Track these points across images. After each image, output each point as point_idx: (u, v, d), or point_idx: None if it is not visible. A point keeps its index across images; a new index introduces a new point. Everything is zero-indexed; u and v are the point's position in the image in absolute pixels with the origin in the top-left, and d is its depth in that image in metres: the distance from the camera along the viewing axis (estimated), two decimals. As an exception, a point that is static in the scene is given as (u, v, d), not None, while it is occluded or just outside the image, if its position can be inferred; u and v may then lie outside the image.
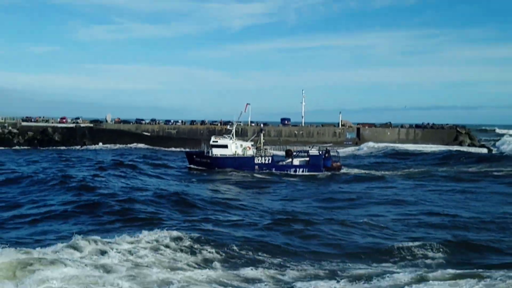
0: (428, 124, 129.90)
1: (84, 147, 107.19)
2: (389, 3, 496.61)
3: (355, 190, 49.93)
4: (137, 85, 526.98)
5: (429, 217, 35.60)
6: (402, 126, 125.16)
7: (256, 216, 34.68)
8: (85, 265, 19.32)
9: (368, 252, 25.77)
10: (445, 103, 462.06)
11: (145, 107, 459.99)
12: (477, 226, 32.72)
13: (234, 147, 66.42)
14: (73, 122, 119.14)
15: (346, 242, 27.94)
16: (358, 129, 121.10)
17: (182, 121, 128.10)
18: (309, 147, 72.47)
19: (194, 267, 21.36)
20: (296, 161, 65.01)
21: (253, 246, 25.64)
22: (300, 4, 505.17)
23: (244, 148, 66.93)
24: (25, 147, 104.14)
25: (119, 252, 21.65)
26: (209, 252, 23.80)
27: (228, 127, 75.40)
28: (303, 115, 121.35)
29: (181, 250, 23.57)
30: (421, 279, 19.75)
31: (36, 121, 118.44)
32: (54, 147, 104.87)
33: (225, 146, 66.24)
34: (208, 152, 66.70)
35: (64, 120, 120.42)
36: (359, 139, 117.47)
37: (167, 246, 23.62)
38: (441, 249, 25.86)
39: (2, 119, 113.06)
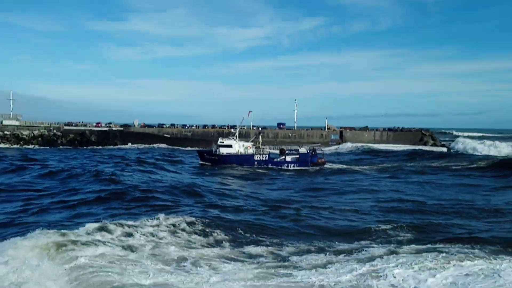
0: (398, 128, 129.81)
1: (116, 146, 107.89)
2: (364, 29, 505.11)
3: (338, 181, 49.96)
4: (159, 96, 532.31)
5: (400, 204, 35.62)
6: (377, 130, 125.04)
7: (256, 203, 34.66)
8: (115, 245, 19.39)
9: (349, 232, 25.89)
10: (411, 110, 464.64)
11: (166, 114, 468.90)
12: (438, 210, 32.78)
13: (237, 146, 66.79)
14: (107, 126, 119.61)
15: (331, 225, 27.94)
16: (341, 132, 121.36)
17: (196, 125, 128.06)
18: (299, 147, 72.66)
19: (206, 246, 21.46)
20: (288, 158, 65.07)
21: (255, 228, 25.81)
22: (292, 30, 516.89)
23: (246, 147, 67.20)
24: (67, 147, 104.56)
25: (143, 234, 21.82)
26: (219, 234, 23.89)
27: (233, 130, 75.47)
28: (295, 120, 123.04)
29: (195, 233, 23.71)
30: (393, 252, 20.22)
31: (76, 125, 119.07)
32: (91, 147, 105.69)
33: (230, 146, 66.61)
34: (216, 151, 66.91)
35: (99, 125, 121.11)
36: (341, 140, 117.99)
37: (183, 230, 23.75)
38: (409, 229, 25.99)
39: (48, 124, 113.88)
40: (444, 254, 19.43)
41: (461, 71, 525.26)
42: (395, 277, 16.50)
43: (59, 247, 17.74)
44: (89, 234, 20.72)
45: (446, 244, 21.76)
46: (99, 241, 19.58)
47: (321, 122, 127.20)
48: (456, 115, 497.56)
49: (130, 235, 21.50)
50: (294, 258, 19.58)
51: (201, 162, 67.86)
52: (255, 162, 64.92)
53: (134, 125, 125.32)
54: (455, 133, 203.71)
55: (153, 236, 21.94)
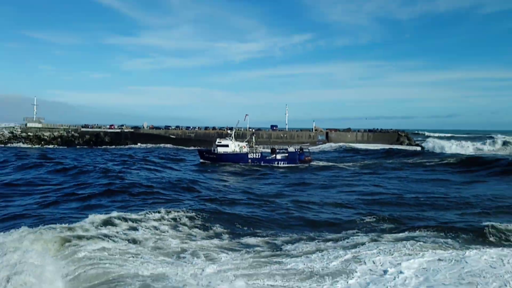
0: (377, 129, 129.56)
1: (127, 146, 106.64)
2: (347, 43, 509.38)
3: (324, 177, 49.06)
4: (166, 101, 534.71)
5: (381, 197, 34.90)
6: (358, 131, 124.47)
7: (251, 198, 33.71)
8: (119, 239, 18.71)
9: (336, 223, 25.22)
10: (389, 114, 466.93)
11: (172, 117, 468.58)
12: (415, 203, 32.11)
13: (233, 146, 66.14)
14: (119, 128, 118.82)
15: (320, 217, 27.20)
16: (326, 133, 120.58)
17: (198, 127, 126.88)
18: (288, 146, 72.12)
19: (206, 238, 20.79)
20: (278, 156, 64.39)
21: (251, 221, 25.17)
22: (284, 44, 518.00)
23: (241, 147, 66.65)
24: (84, 146, 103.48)
25: (147, 228, 21.12)
26: (218, 227, 23.19)
27: (229, 131, 74.81)
28: (286, 123, 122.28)
29: (195, 226, 23.04)
30: (374, 241, 19.98)
31: (92, 127, 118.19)
32: (105, 146, 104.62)
33: (227, 146, 65.95)
34: (214, 150, 66.26)
35: (112, 127, 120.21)
36: (327, 140, 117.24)
37: (184, 224, 23.00)
38: (389, 220, 25.40)
39: (67, 126, 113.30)
40: (421, 243, 19.27)
41: (432, 80, 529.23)
42: (374, 262, 16.39)
43: (63, 241, 16.90)
44: (94, 227, 19.97)
45: (422, 233, 21.47)
46: (104, 235, 18.86)
47: (309, 124, 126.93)
48: (428, 117, 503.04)
49: (134, 229, 20.79)
50: (287, 247, 19.22)
51: (201, 160, 66.96)
52: (249, 160, 64.25)
53: (143, 127, 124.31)
54: (427, 133, 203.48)
55: (156, 229, 21.26)
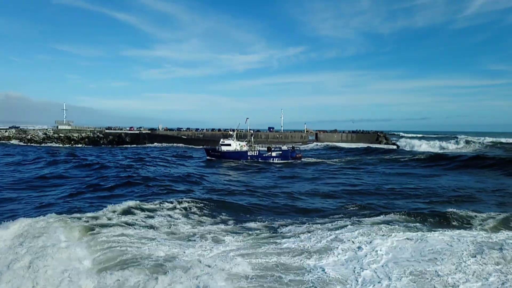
0: (360, 130, 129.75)
1: (145, 145, 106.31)
2: (336, 54, 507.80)
3: (311, 171, 49.01)
4: (178, 106, 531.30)
5: (361, 187, 34.93)
6: (343, 132, 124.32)
7: (251, 189, 33.66)
8: (138, 225, 18.79)
9: (324, 210, 25.32)
10: (370, 117, 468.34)
11: (183, 120, 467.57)
12: (392, 193, 32.28)
13: (235, 145, 65.93)
14: (138, 130, 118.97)
15: (309, 204, 27.32)
16: (316, 133, 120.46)
17: (206, 129, 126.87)
18: (282, 145, 72.19)
19: (213, 224, 20.75)
20: (273, 154, 64.18)
21: (252, 209, 25.19)
22: (280, 56, 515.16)
23: (241, 146, 66.40)
24: (108, 146, 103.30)
25: (161, 216, 21.18)
26: (224, 214, 23.13)
27: (231, 132, 74.69)
28: (282, 125, 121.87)
29: (204, 214, 22.97)
30: (355, 223, 20.13)
31: (115, 129, 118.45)
32: (126, 146, 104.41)
33: (229, 145, 65.83)
34: (219, 148, 66.08)
35: (132, 128, 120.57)
36: (317, 140, 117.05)
37: (194, 212, 22.92)
38: (369, 207, 25.49)
39: (93, 128, 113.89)
40: (394, 226, 19.51)
41: (408, 87, 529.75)
42: (353, 242, 16.72)
43: (88, 228, 17.03)
44: (115, 215, 20.09)
45: (396, 218, 21.65)
46: (124, 222, 19.02)
47: (301, 126, 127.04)
48: (403, 120, 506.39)
49: (150, 217, 20.79)
50: (282, 230, 19.34)
51: (207, 158, 66.71)
52: (248, 157, 64.10)
53: (159, 129, 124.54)
54: (402, 134, 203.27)
55: (170, 217, 21.28)
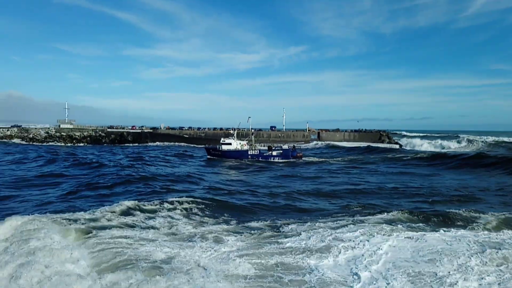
0: (362, 129, 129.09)
1: (147, 144, 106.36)
2: (337, 54, 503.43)
3: (313, 171, 48.78)
4: (179, 106, 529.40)
5: (364, 186, 34.65)
6: (346, 131, 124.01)
7: (252, 188, 33.41)
8: (137, 226, 18.53)
9: (326, 209, 25.08)
10: (372, 116, 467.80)
11: (185, 119, 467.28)
12: (394, 192, 32.08)
13: (235, 144, 65.77)
14: (140, 129, 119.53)
15: (312, 203, 27.18)
16: (318, 132, 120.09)
17: (208, 128, 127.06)
18: (282, 145, 72.19)
19: (215, 224, 20.43)
20: (274, 153, 63.98)
21: (254, 208, 24.91)
22: (281, 55, 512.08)
23: (242, 145, 66.27)
24: (109, 145, 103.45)
25: (161, 216, 20.84)
26: (225, 214, 22.80)
27: (232, 131, 74.60)
28: (283, 124, 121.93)
29: (205, 214, 22.62)
30: (357, 223, 19.89)
31: (117, 128, 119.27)
32: (127, 144, 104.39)
33: (230, 144, 65.71)
34: (219, 148, 65.97)
35: (134, 127, 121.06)
36: (319, 139, 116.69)
37: (195, 213, 22.55)
38: (371, 206, 25.23)
39: (95, 127, 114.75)
40: (396, 226, 19.29)
41: (410, 86, 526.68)
42: (354, 241, 16.56)
43: (85, 228, 16.68)
44: (113, 215, 19.71)
45: (399, 218, 21.41)
46: (122, 222, 18.66)
47: (303, 125, 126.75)
48: (405, 120, 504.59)
49: (150, 218, 20.40)
50: (283, 229, 19.12)
51: (208, 157, 66.63)
52: (249, 156, 63.87)
53: (160, 128, 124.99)
54: (404, 133, 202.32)
55: (170, 217, 20.89)
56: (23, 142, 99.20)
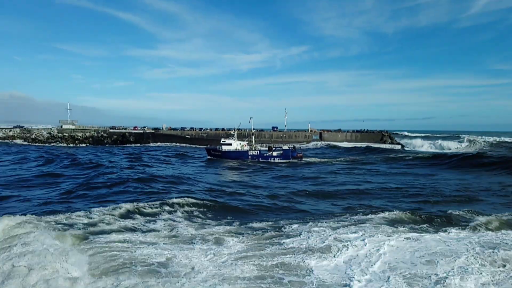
0: (364, 129, 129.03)
1: (149, 144, 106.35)
2: (339, 54, 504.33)
3: (314, 171, 48.55)
4: (181, 106, 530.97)
5: (366, 186, 34.46)
6: (348, 131, 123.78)
7: (252, 189, 33.30)
8: (134, 228, 18.30)
9: (328, 209, 25.01)
10: (374, 117, 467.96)
11: (187, 119, 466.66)
12: (396, 192, 31.86)
13: (235, 144, 65.66)
14: (142, 129, 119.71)
15: (313, 203, 27.09)
16: (320, 133, 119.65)
17: (210, 128, 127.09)
18: (282, 145, 72.11)
19: (216, 225, 20.19)
20: (274, 153, 63.89)
21: (254, 209, 24.80)
22: (283, 55, 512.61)
23: (242, 145, 66.15)
24: (111, 145, 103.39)
25: (163, 220, 20.57)
26: (225, 215, 22.64)
27: (232, 132, 74.64)
28: (285, 124, 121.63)
29: (207, 216, 22.43)
30: (359, 223, 19.79)
31: (119, 128, 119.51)
32: (129, 145, 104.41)
33: (230, 144, 65.63)
34: (219, 148, 65.90)
35: (136, 128, 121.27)
36: (321, 139, 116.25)
37: (196, 216, 22.34)
38: (373, 206, 25.16)
39: (97, 128, 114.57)
40: (399, 227, 19.24)
41: (411, 86, 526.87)
42: (355, 242, 16.41)
43: (79, 236, 16.21)
44: (110, 217, 19.59)
45: (400, 218, 21.29)
46: (121, 225, 18.48)
47: (305, 125, 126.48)
48: (407, 120, 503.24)
49: (151, 220, 20.15)
50: (284, 230, 18.96)
51: (208, 157, 66.59)
52: (249, 157, 63.75)
53: (162, 128, 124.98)
54: (406, 133, 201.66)
55: (170, 220, 20.71)
56: (25, 143, 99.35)
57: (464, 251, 15.15)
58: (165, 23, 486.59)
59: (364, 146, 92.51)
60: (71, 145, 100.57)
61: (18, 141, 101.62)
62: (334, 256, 14.83)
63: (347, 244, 15.95)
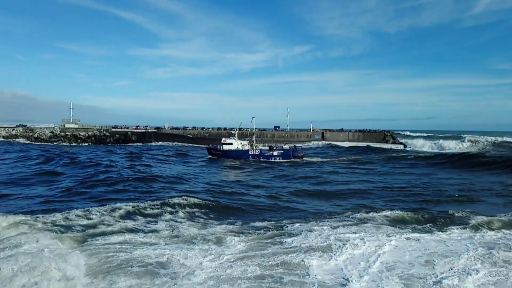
0: (367, 129, 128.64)
1: (152, 143, 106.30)
2: (342, 53, 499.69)
3: (315, 171, 48.30)
4: (184, 106, 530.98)
5: (367, 186, 34.32)
6: (350, 131, 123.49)
7: (252, 188, 33.18)
8: (133, 228, 18.19)
9: (328, 210, 24.66)
10: (377, 116, 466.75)
11: (189, 119, 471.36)
12: (399, 192, 31.64)
13: (236, 144, 65.59)
14: (144, 129, 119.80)
15: (315, 203, 26.99)
16: (322, 132, 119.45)
17: (212, 128, 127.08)
18: (283, 144, 71.76)
19: (218, 225, 20.07)
20: (275, 153, 63.71)
21: (254, 209, 24.69)
22: (286, 55, 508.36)
23: (243, 145, 66.07)
24: (114, 144, 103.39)
25: (164, 221, 20.45)
26: (227, 214, 22.63)
27: (233, 132, 74.60)
28: (287, 124, 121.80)
29: (209, 216, 22.29)
30: (361, 223, 19.69)
31: (121, 128, 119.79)
32: (132, 144, 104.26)
33: (231, 144, 65.55)
34: (220, 147, 65.84)
35: (138, 127, 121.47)
36: (323, 139, 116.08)
37: (196, 213, 22.36)
38: (374, 207, 24.83)
39: (99, 127, 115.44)
40: (400, 227, 19.23)
41: (414, 86, 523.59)
42: (356, 242, 16.40)
43: (78, 238, 16.09)
44: (109, 217, 19.55)
45: (401, 218, 21.24)
46: (119, 225, 18.38)
47: (307, 125, 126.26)
48: (410, 119, 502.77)
49: (152, 222, 19.98)
50: (285, 230, 18.89)
51: (209, 156, 66.55)
52: (250, 156, 63.65)
53: (165, 128, 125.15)
54: (409, 133, 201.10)
55: (172, 220, 20.58)
56: (28, 142, 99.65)
57: (465, 252, 15.09)
58: (168, 23, 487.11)
59: (365, 145, 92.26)
60: (74, 144, 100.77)
61: (21, 140, 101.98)
62: (334, 256, 14.79)
63: (349, 244, 15.90)
